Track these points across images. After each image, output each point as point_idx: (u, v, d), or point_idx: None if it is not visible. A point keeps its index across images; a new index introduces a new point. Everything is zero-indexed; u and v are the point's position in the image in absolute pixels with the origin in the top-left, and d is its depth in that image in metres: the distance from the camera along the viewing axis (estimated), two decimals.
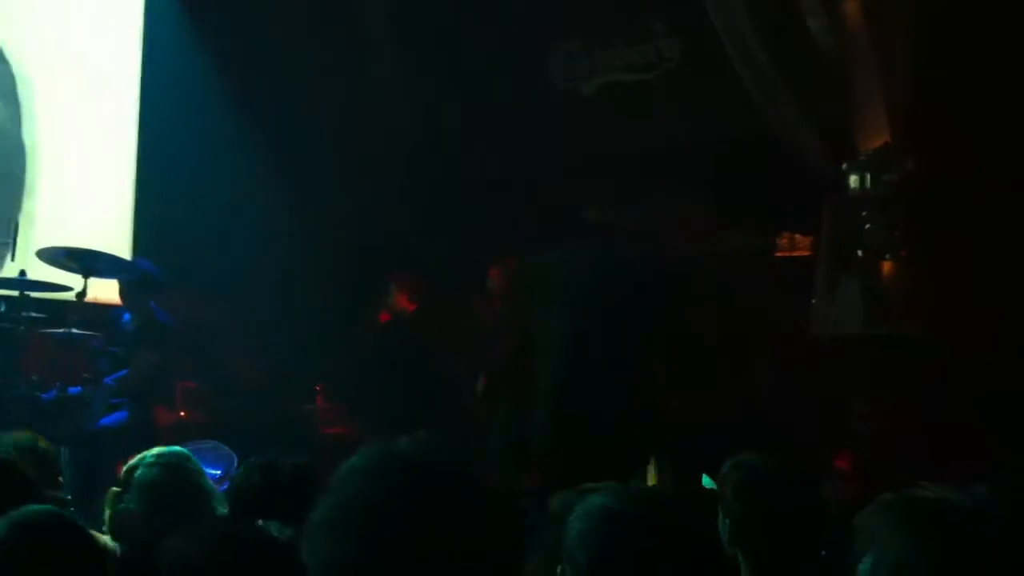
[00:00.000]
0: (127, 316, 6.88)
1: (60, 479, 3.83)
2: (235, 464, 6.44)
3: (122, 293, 6.83)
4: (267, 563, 2.04)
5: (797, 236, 7.23)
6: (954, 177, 6.37)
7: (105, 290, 6.62)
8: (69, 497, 5.59)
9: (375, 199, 8.23)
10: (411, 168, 8.37)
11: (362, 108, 8.36)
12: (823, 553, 2.98)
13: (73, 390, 6.24)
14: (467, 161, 8.27)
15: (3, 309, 6.22)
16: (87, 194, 7.85)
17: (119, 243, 7.61)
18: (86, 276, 6.09)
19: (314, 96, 8.24)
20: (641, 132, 7.86)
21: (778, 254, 7.33)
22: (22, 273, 6.20)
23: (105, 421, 6.39)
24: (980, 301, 6.10)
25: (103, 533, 5.86)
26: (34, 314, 6.26)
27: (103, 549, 2.55)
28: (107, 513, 3.45)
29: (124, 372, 6.58)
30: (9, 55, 7.60)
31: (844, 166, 6.51)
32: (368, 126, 8.34)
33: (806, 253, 7.24)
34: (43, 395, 6.18)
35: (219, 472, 6.23)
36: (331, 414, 7.36)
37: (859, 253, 6.55)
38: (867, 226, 6.48)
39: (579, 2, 8.20)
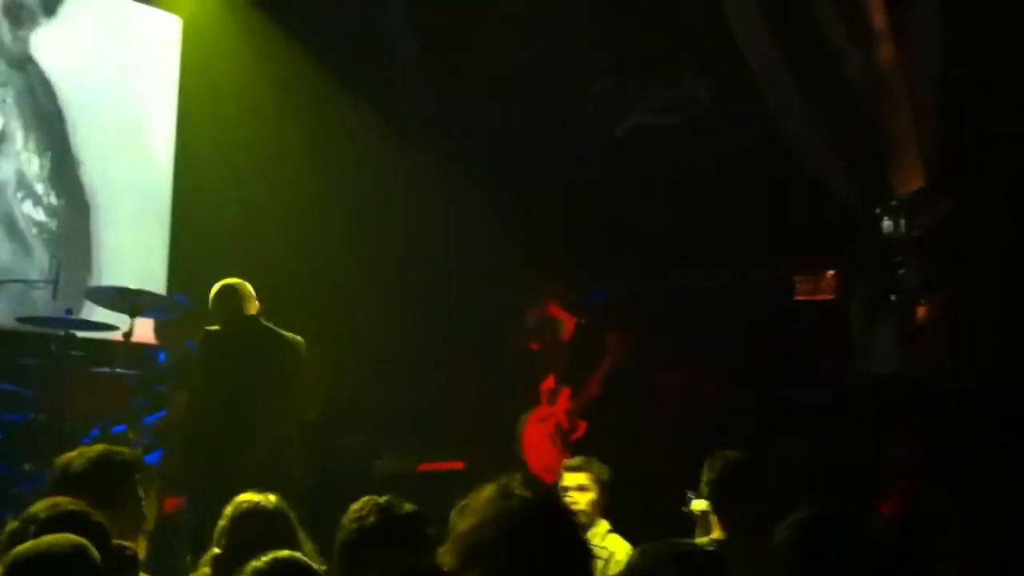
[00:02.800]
0: (163, 355, 6.90)
1: None
2: None
3: (157, 331, 6.86)
4: None
5: (823, 278, 7.30)
6: (986, 219, 6.47)
7: (148, 330, 6.64)
8: None
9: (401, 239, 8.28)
10: (443, 215, 8.37)
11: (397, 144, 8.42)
12: None
13: (116, 429, 6.24)
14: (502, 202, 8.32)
15: (53, 348, 6.22)
16: (124, 235, 7.89)
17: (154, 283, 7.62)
18: (133, 315, 6.11)
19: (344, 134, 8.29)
20: (671, 171, 7.94)
21: (801, 297, 7.41)
22: (69, 312, 6.22)
23: (146, 459, 6.38)
24: (1016, 340, 6.19)
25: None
26: (80, 353, 6.27)
27: None
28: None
29: (164, 412, 6.58)
30: (58, 96, 7.67)
31: (878, 210, 6.62)
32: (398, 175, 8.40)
33: (829, 296, 7.32)
34: (88, 433, 6.20)
35: None
36: None
37: (892, 297, 6.64)
38: (901, 270, 6.57)
39: (612, 43, 8.28)
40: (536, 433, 7.07)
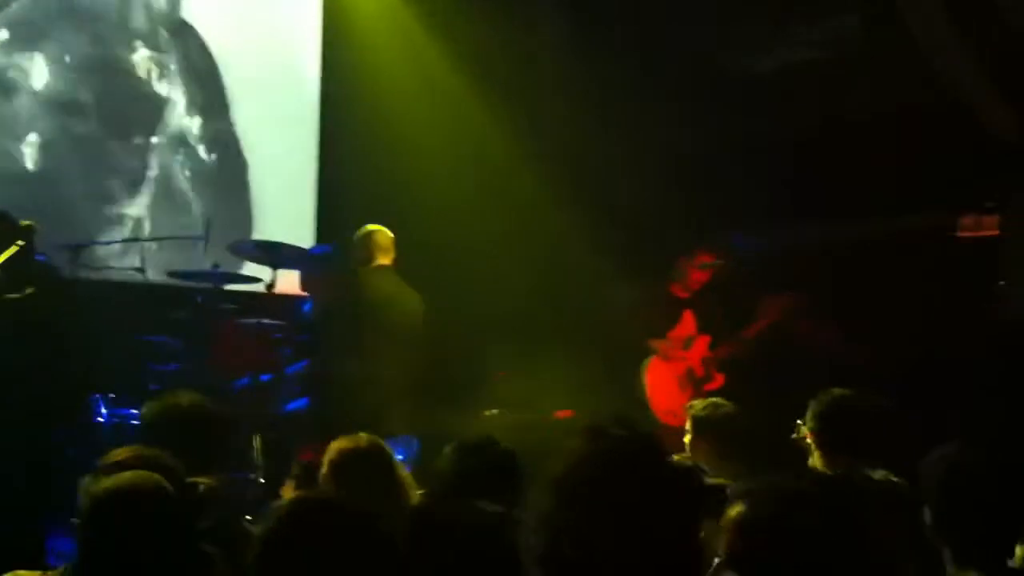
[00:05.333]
0: (307, 305, 7.10)
1: None
2: (415, 448, 6.60)
3: (303, 282, 7.06)
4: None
5: (984, 216, 7.00)
6: None
7: (291, 281, 6.84)
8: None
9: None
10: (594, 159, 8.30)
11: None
12: None
13: (263, 378, 6.48)
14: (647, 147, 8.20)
15: (200, 300, 6.49)
16: (271, 188, 8.16)
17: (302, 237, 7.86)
18: (275, 268, 6.31)
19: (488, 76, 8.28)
20: (820, 109, 7.66)
21: (962, 234, 7.11)
22: (215, 266, 6.47)
23: (291, 407, 6.61)
24: None
25: None
26: (227, 305, 6.52)
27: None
28: None
29: (307, 361, 6.78)
30: (212, 58, 7.99)
31: None
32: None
33: (993, 233, 7.01)
34: (236, 383, 6.46)
35: (401, 456, 6.39)
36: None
37: None
38: None
39: None
40: (662, 374, 6.95)
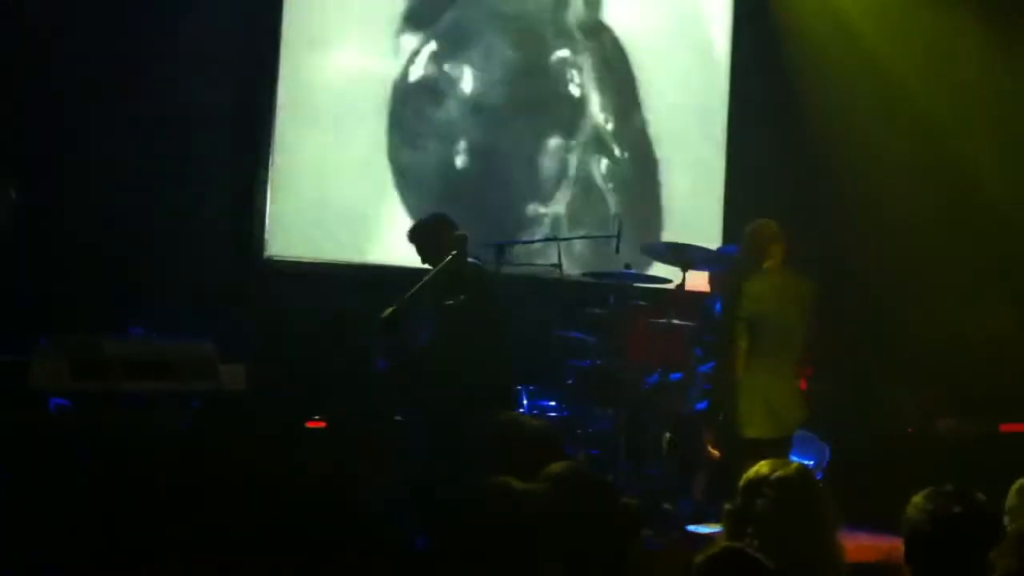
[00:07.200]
0: (718, 306, 7.15)
1: None
2: (827, 456, 6.50)
3: (712, 282, 7.12)
4: None
5: None
6: None
7: (701, 281, 6.92)
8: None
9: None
10: None
11: None
12: None
13: (673, 376, 6.62)
14: None
15: (612, 300, 6.72)
16: (681, 187, 8.29)
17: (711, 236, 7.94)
18: (684, 269, 6.42)
19: None
20: None
21: None
22: (627, 267, 6.68)
23: (700, 406, 6.69)
24: None
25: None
26: (639, 303, 6.71)
27: None
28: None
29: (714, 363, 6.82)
30: (628, 57, 8.28)
31: None
32: None
33: None
34: (646, 380, 6.64)
35: (811, 463, 6.31)
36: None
37: None
38: None
39: None
40: None
